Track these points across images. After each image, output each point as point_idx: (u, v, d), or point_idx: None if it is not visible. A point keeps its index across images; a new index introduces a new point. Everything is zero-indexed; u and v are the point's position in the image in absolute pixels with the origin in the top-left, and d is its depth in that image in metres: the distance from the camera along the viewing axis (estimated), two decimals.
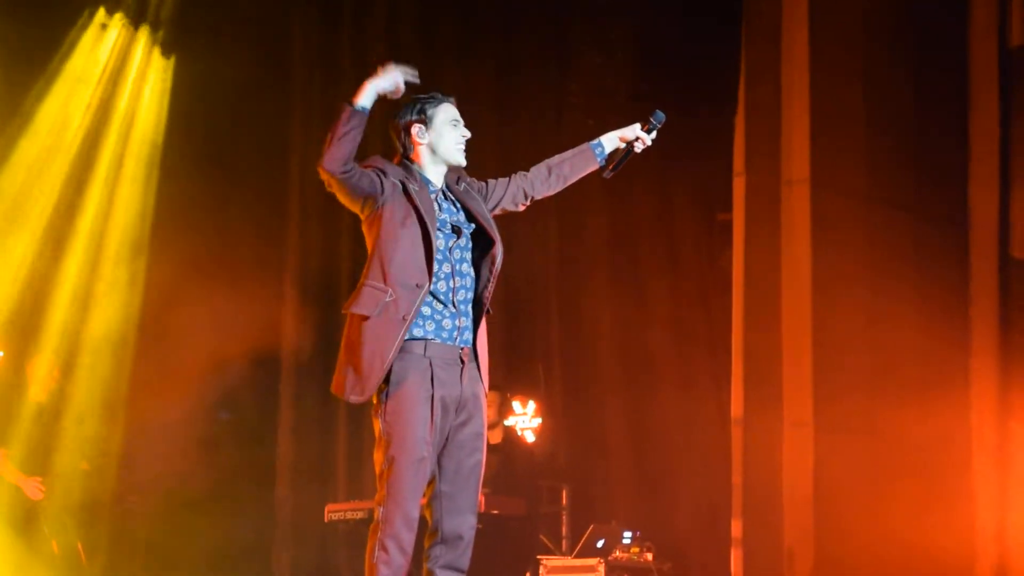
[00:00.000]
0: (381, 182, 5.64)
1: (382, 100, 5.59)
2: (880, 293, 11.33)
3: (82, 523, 10.99)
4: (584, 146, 6.12)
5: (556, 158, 6.10)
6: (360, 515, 10.40)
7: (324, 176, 5.58)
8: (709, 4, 11.72)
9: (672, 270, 12.10)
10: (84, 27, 12.19)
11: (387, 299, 5.56)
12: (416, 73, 5.51)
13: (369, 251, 5.70)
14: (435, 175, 5.81)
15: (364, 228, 5.75)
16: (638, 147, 6.09)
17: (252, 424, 12.17)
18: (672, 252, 12.17)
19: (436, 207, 5.72)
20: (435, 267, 5.61)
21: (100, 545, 11.46)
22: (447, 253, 5.70)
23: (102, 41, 12.28)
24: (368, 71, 5.57)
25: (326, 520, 10.72)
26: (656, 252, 12.16)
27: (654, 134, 6.10)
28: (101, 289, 12.17)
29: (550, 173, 6.05)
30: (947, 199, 11.92)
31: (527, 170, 6.09)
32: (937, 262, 11.71)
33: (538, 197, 6.09)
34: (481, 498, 9.68)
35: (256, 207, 12.27)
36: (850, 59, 11.52)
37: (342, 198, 5.66)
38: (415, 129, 5.79)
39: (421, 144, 5.79)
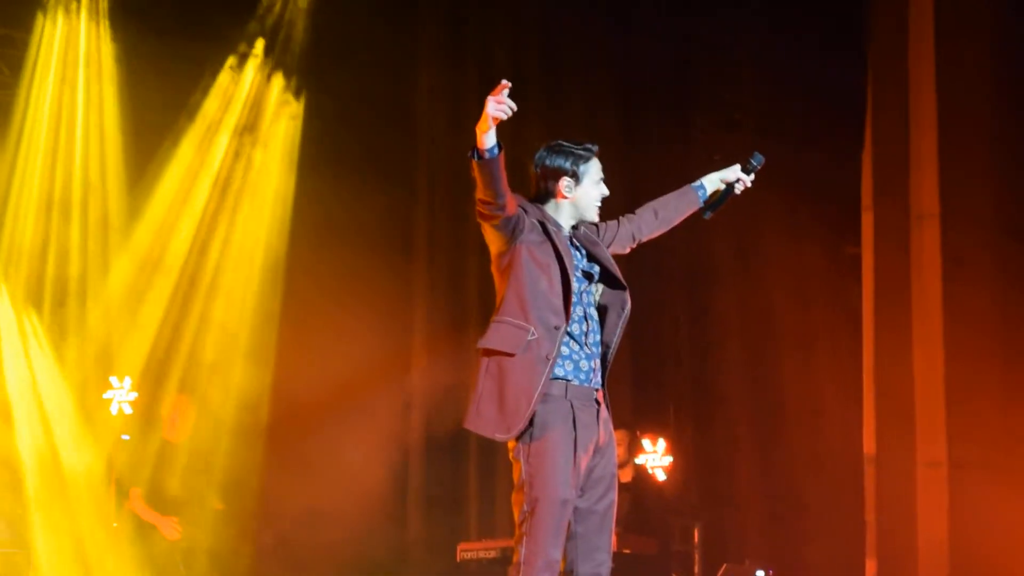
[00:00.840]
0: (521, 218, 5.67)
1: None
2: (1013, 328, 11.19)
3: (217, 562, 11.10)
4: (686, 188, 6.17)
5: (660, 200, 6.14)
6: (492, 554, 10.43)
7: (488, 222, 5.61)
8: (836, 39, 11.67)
9: (801, 305, 12.06)
10: (216, 72, 12.39)
11: (530, 338, 5.58)
12: (508, 86, 5.44)
13: (502, 288, 5.70)
14: (566, 221, 5.85)
15: (496, 264, 5.75)
16: (738, 188, 6.15)
17: (384, 462, 12.22)
18: (801, 286, 12.13)
19: (571, 250, 5.76)
20: (572, 309, 5.64)
21: None
22: (579, 296, 5.72)
23: (237, 85, 12.48)
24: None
25: (458, 559, 10.75)
26: (785, 286, 12.12)
27: (753, 175, 6.14)
28: (236, 328, 12.31)
29: (656, 215, 6.10)
30: None
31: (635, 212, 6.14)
32: None
33: (644, 239, 6.13)
34: (613, 537, 9.71)
35: (384, 245, 12.36)
36: (978, 92, 11.41)
37: (492, 233, 5.65)
38: (564, 182, 5.80)
39: (566, 197, 5.81)
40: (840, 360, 11.77)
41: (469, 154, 5.45)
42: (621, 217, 6.06)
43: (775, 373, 12.03)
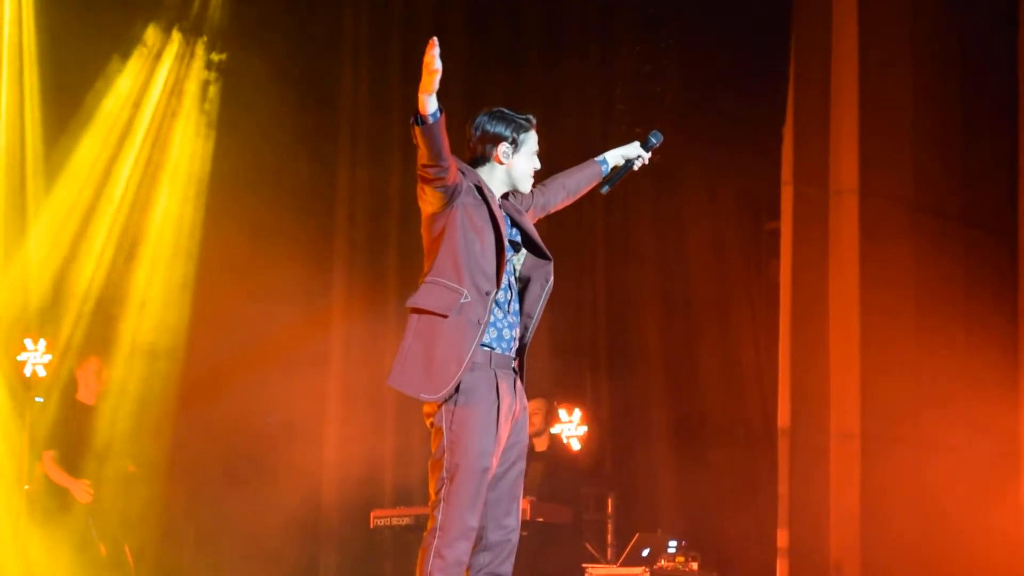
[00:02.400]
0: (460, 182, 5.64)
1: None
2: (928, 303, 11.32)
3: (129, 525, 11.05)
4: (591, 161, 6.23)
5: (567, 172, 6.18)
6: (407, 521, 10.42)
7: (429, 185, 5.56)
8: (758, 14, 11.70)
9: (719, 279, 12.12)
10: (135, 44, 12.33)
11: (463, 300, 5.56)
12: (438, 49, 5.40)
13: (434, 249, 5.64)
14: (498, 188, 5.83)
15: (427, 225, 5.70)
16: (637, 164, 6.23)
17: (299, 427, 12.20)
18: (720, 261, 12.19)
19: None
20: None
21: (148, 548, 11.52)
22: (508, 265, 5.72)
23: (156, 61, 12.44)
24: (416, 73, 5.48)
25: (371, 526, 10.75)
26: (704, 260, 12.18)
27: (650, 153, 6.23)
28: (151, 295, 12.24)
29: (564, 187, 6.14)
30: (995, 209, 11.91)
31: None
32: (985, 271, 11.68)
33: (551, 211, 6.15)
34: (527, 505, 9.75)
35: (304, 205, 12.33)
36: (899, 69, 11.51)
37: (431, 195, 5.59)
38: (502, 148, 5.78)
39: (503, 163, 5.80)
40: (757, 333, 11.84)
41: (411, 120, 5.40)
42: (535, 188, 6.05)
43: (692, 345, 12.08)
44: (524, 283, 5.82)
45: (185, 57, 12.54)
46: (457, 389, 5.56)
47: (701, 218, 12.21)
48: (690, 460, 11.81)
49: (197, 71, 12.57)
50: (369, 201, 12.54)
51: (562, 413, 11.55)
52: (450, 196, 5.59)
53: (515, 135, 5.80)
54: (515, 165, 5.81)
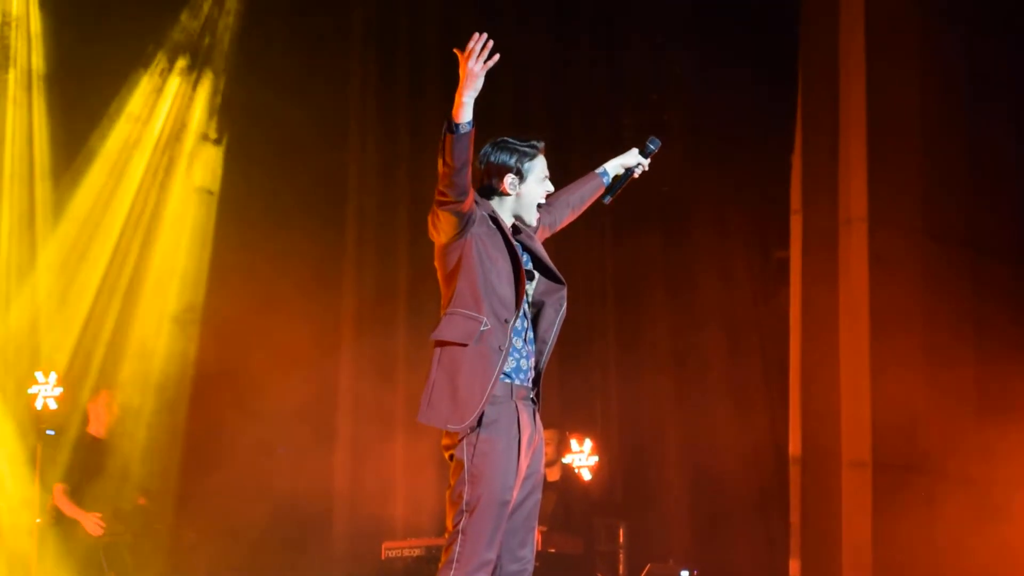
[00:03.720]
0: (474, 210, 5.59)
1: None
2: (939, 330, 11.30)
3: (140, 558, 11.04)
4: (591, 174, 6.19)
5: (569, 188, 6.13)
6: (418, 552, 10.40)
7: (442, 209, 5.50)
8: (766, 43, 11.73)
9: (729, 308, 12.10)
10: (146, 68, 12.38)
11: (483, 328, 5.52)
12: (493, 50, 5.38)
13: (452, 281, 5.60)
14: (507, 218, 5.78)
15: (441, 258, 5.64)
16: (637, 172, 6.18)
17: (309, 458, 12.18)
18: (729, 289, 12.18)
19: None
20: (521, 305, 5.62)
21: None
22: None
23: (165, 85, 12.47)
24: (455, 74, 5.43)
25: (383, 557, 10.72)
26: (713, 290, 12.17)
27: (649, 159, 6.17)
28: (162, 327, 12.26)
29: (568, 204, 6.10)
30: (1005, 235, 11.89)
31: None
32: (996, 298, 11.66)
33: (556, 229, 6.10)
34: (538, 536, 9.71)
35: (314, 239, 12.33)
36: (906, 97, 11.51)
37: (446, 222, 5.54)
38: (508, 179, 5.73)
39: (509, 194, 5.78)
40: (768, 362, 11.83)
41: (444, 127, 5.36)
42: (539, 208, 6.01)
43: (702, 375, 12.07)
44: (538, 308, 5.77)
45: (193, 78, 12.58)
46: (480, 423, 5.53)
47: (710, 247, 12.20)
48: (702, 490, 11.79)
49: (205, 92, 12.60)
50: (378, 224, 12.53)
51: (573, 443, 11.53)
52: (464, 224, 5.54)
53: (520, 165, 5.75)
54: (523, 195, 5.77)
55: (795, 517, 10.90)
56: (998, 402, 11.36)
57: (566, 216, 6.12)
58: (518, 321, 5.64)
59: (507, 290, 5.58)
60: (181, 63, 12.54)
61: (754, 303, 12.19)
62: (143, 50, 12.43)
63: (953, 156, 11.74)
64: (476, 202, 5.62)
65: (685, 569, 10.39)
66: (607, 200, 6.18)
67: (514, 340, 5.63)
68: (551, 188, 5.84)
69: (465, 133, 5.35)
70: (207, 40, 12.62)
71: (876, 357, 10.96)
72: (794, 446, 10.97)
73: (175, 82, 12.54)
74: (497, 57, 5.40)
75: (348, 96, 12.70)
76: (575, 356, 12.00)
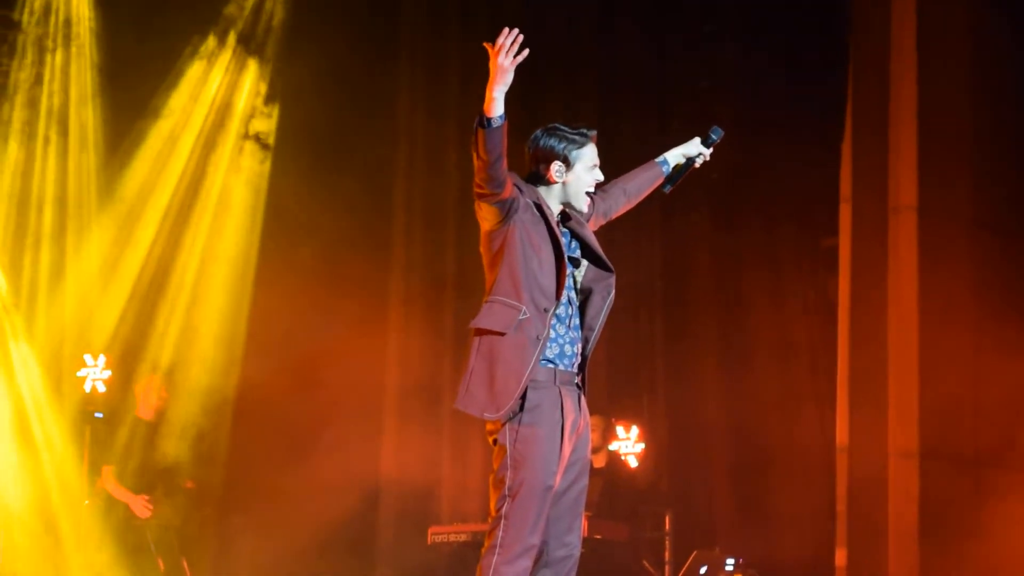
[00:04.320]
0: (516, 199, 5.59)
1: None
2: (987, 320, 11.24)
3: (187, 540, 11.10)
4: (651, 162, 6.15)
5: (627, 177, 6.11)
6: (464, 538, 10.43)
7: (483, 199, 5.54)
8: (817, 32, 11.68)
9: (778, 296, 12.06)
10: (194, 53, 12.42)
11: (521, 317, 5.53)
12: (524, 46, 5.40)
13: (495, 268, 5.61)
14: (555, 205, 5.77)
15: (486, 244, 5.67)
16: (698, 161, 6.13)
17: (354, 443, 12.22)
18: (777, 278, 12.14)
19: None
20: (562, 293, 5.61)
21: (205, 563, 11.57)
22: (568, 280, 5.68)
23: (213, 67, 12.51)
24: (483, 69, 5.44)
25: (429, 542, 10.75)
26: (761, 278, 12.13)
27: (711, 149, 6.13)
28: (208, 311, 12.31)
29: (625, 192, 6.07)
30: None
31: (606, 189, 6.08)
32: None
33: (614, 216, 6.09)
34: (584, 522, 9.73)
35: (363, 221, 12.34)
36: (957, 86, 11.46)
37: (487, 211, 5.57)
38: (555, 166, 5.72)
39: (556, 182, 5.78)
40: (815, 350, 11.79)
41: (476, 122, 5.36)
42: (594, 195, 5.96)
43: (750, 362, 12.03)
44: (585, 295, 5.75)
45: (240, 71, 12.62)
46: (522, 407, 5.54)
47: (759, 235, 12.17)
48: (748, 477, 11.77)
49: (251, 86, 12.64)
50: (426, 210, 12.56)
51: (620, 430, 11.54)
52: (506, 212, 5.55)
53: (567, 152, 5.73)
54: (570, 183, 5.75)
55: (842, 506, 10.88)
56: None
57: (623, 204, 6.09)
58: (562, 308, 5.63)
59: (548, 279, 5.57)
60: (228, 51, 12.57)
61: (803, 291, 12.14)
62: (191, 38, 12.48)
63: (1003, 145, 11.68)
64: (520, 189, 5.62)
65: (731, 557, 10.38)
66: (667, 189, 6.16)
67: (557, 327, 5.62)
68: (600, 177, 5.82)
69: (497, 127, 5.36)
70: (256, 26, 12.65)
71: (925, 347, 10.93)
72: (841, 435, 10.94)
73: (220, 70, 12.58)
74: (527, 52, 5.40)
75: (397, 78, 12.71)
76: (622, 343, 12.00)
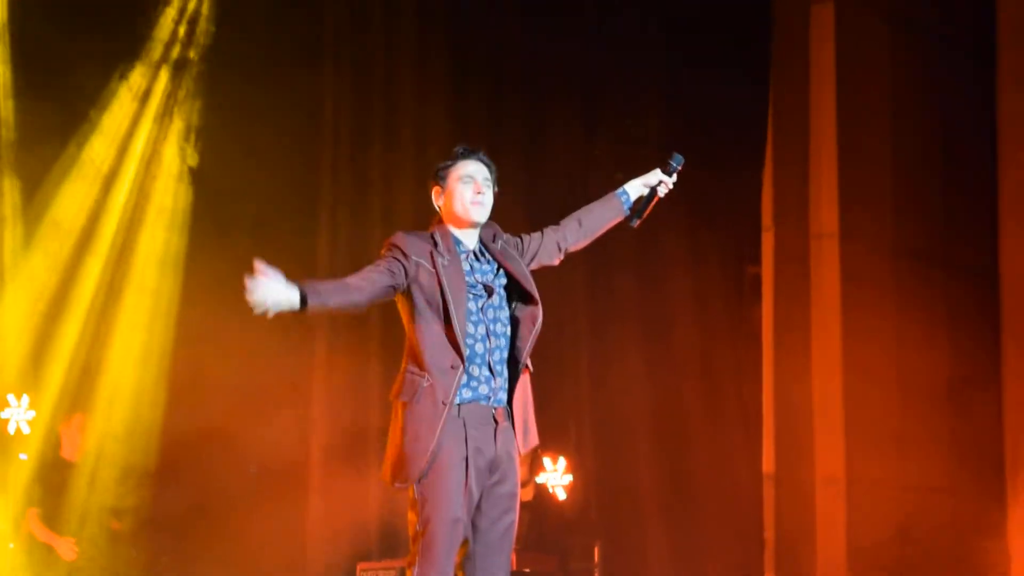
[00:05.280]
0: (403, 267, 5.62)
1: None
2: (910, 346, 11.33)
3: None
4: (610, 195, 6.08)
5: (584, 209, 6.05)
6: (393, 574, 10.38)
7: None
8: (737, 59, 11.74)
9: (702, 324, 12.10)
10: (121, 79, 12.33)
11: (424, 384, 5.55)
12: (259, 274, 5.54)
13: (406, 334, 5.68)
14: (465, 236, 5.78)
15: (399, 308, 5.72)
16: (661, 191, 6.07)
17: (281, 479, 12.14)
18: (701, 306, 12.18)
19: (468, 269, 5.71)
20: (468, 339, 5.57)
21: None
22: (480, 314, 5.66)
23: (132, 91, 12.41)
24: None
25: None
26: (685, 306, 12.16)
27: (675, 176, 6.08)
28: (135, 348, 12.21)
29: (580, 224, 6.00)
30: (977, 251, 11.93)
31: (557, 223, 6.06)
32: (967, 312, 11.71)
33: (571, 250, 6.02)
34: (512, 556, 9.70)
35: (286, 253, 12.25)
36: (877, 113, 11.57)
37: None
38: (434, 193, 5.80)
39: (441, 209, 5.81)
40: (740, 378, 11.83)
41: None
42: (546, 228, 5.97)
43: (675, 391, 12.05)
44: (514, 326, 5.75)
45: (169, 101, 12.52)
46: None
47: (682, 263, 12.20)
48: (676, 507, 11.78)
49: (180, 116, 12.55)
50: (351, 253, 12.51)
51: (547, 462, 11.53)
52: (396, 287, 5.63)
53: (439, 175, 5.80)
54: (448, 201, 5.77)
55: (769, 533, 10.92)
56: (970, 414, 11.40)
57: (581, 237, 6.03)
58: (478, 344, 5.63)
59: (450, 335, 5.58)
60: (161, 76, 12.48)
61: (727, 319, 12.19)
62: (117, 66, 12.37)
63: (924, 170, 11.79)
64: (405, 254, 5.64)
65: None
66: (634, 224, 6.08)
67: (470, 368, 5.61)
68: (483, 190, 5.76)
69: (311, 307, 5.50)
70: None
71: (848, 372, 11.00)
72: (768, 463, 10.99)
73: (153, 101, 12.49)
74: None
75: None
76: (548, 374, 11.97)
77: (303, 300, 5.47)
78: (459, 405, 5.59)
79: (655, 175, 6.09)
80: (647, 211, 6.08)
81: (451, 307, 5.59)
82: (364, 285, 5.59)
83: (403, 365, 5.65)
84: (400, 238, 5.69)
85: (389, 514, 11.87)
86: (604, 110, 12.53)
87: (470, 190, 5.75)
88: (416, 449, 5.53)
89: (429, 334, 5.59)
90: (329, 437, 12.23)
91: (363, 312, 11.82)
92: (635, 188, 6.09)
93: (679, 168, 6.10)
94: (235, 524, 11.75)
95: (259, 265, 5.47)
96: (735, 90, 11.76)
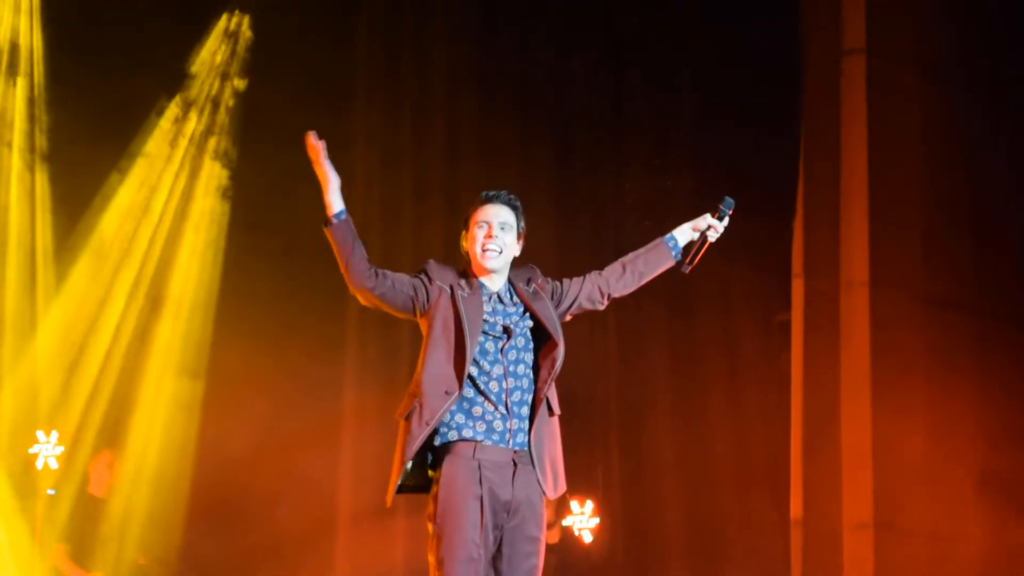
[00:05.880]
0: (426, 288, 5.67)
1: None
2: (942, 395, 11.29)
3: None
4: (658, 241, 6.01)
5: (630, 255, 5.99)
6: None
7: (358, 295, 5.70)
8: (768, 108, 11.76)
9: (731, 370, 12.10)
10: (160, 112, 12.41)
11: (415, 405, 5.59)
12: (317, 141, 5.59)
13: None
14: (488, 280, 5.79)
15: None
16: (712, 236, 5.98)
17: (309, 520, 12.15)
18: (731, 352, 12.18)
19: (489, 310, 5.71)
20: (471, 370, 5.59)
21: None
22: (498, 355, 5.66)
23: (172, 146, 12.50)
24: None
25: None
26: (715, 352, 12.17)
27: (726, 220, 5.99)
28: (165, 387, 12.26)
29: (624, 270, 5.94)
30: (1008, 299, 11.89)
31: (589, 265, 6.05)
32: (998, 362, 11.65)
33: (615, 295, 5.95)
34: None
35: (318, 298, 12.30)
36: (908, 161, 11.56)
37: (386, 310, 5.71)
38: (462, 236, 5.86)
39: (467, 253, 5.84)
40: (769, 424, 11.81)
41: (323, 223, 5.59)
42: (588, 274, 5.94)
43: (704, 436, 12.04)
44: (535, 369, 5.74)
45: (199, 140, 12.59)
46: (439, 483, 5.59)
47: (712, 310, 12.20)
48: (703, 551, 11.75)
49: (211, 157, 12.60)
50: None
51: (574, 505, 11.51)
52: (405, 304, 5.68)
53: (465, 220, 5.84)
54: (470, 247, 5.81)
55: None
56: (1002, 464, 11.34)
57: (627, 282, 5.96)
58: (493, 384, 5.64)
59: (454, 361, 5.61)
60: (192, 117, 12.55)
61: (756, 366, 12.18)
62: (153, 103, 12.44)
63: (956, 221, 11.76)
64: (430, 278, 5.71)
65: None
66: (686, 270, 5.97)
67: (484, 405, 5.62)
68: (490, 234, 5.76)
69: (338, 224, 5.60)
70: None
71: (877, 419, 10.96)
72: (795, 509, 10.95)
73: (184, 138, 12.56)
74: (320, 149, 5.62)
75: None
76: (576, 417, 11.98)
77: (339, 215, 5.59)
78: (475, 445, 5.61)
79: (704, 219, 6.01)
80: (699, 257, 5.98)
81: (465, 333, 5.61)
82: (387, 273, 5.68)
83: (409, 387, 5.68)
84: (430, 264, 5.76)
85: (417, 553, 11.87)
86: (632, 161, 12.56)
87: (482, 235, 5.77)
88: (397, 467, 5.60)
89: (435, 358, 5.63)
90: (356, 477, 12.23)
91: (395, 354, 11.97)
92: (683, 233, 6.03)
93: (730, 212, 6.00)
94: (261, 564, 11.77)
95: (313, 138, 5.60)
96: (766, 139, 11.78)
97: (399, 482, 5.60)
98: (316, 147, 5.59)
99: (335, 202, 5.58)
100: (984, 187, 11.90)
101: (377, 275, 5.65)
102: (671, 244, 5.99)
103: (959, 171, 11.85)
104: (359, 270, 5.61)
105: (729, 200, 6.01)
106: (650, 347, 12.37)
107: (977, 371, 11.55)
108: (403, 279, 5.70)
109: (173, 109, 12.48)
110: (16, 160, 11.97)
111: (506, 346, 5.69)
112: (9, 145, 11.95)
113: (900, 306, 11.34)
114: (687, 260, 5.97)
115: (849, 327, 11.20)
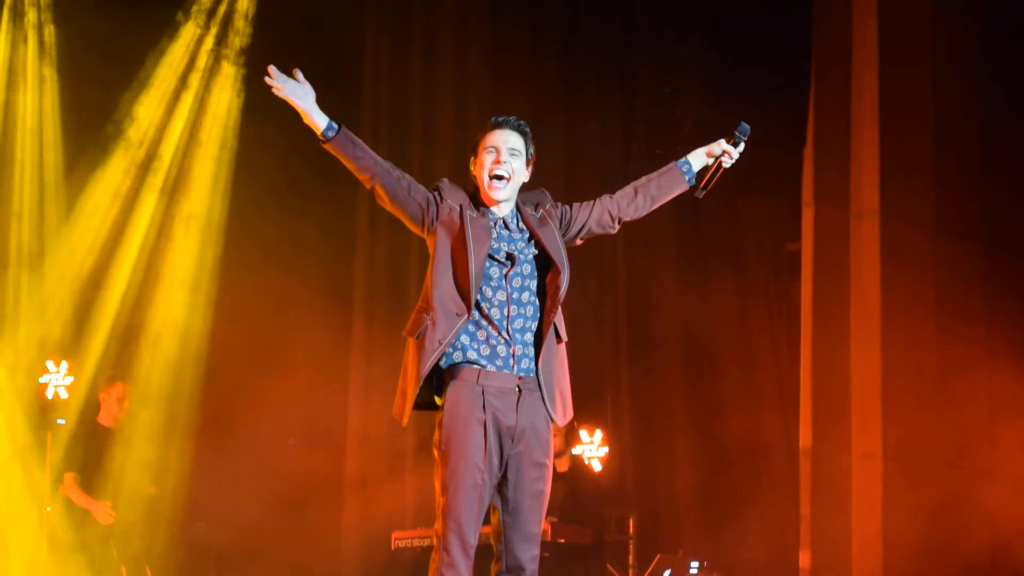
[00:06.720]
0: (436, 204, 5.63)
1: None
2: (949, 323, 11.30)
3: (150, 547, 11.05)
4: (671, 165, 5.92)
5: (643, 179, 5.90)
6: (427, 542, 10.42)
7: (374, 194, 5.69)
8: (777, 38, 11.71)
9: (740, 300, 12.10)
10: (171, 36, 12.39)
11: (427, 322, 5.56)
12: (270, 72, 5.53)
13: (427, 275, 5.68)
14: (496, 205, 5.74)
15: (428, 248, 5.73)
16: (726, 161, 5.88)
17: (320, 450, 12.19)
18: (741, 282, 12.18)
19: (494, 235, 5.68)
20: (477, 295, 5.56)
21: (169, 570, 11.52)
22: (502, 281, 5.63)
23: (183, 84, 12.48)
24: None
25: (392, 547, 10.74)
26: (724, 281, 12.17)
27: (741, 146, 5.88)
28: (174, 314, 12.27)
29: (636, 194, 5.86)
30: (1016, 228, 11.88)
31: (599, 191, 5.96)
32: (1007, 291, 11.66)
33: (627, 219, 5.88)
34: (547, 527, 9.73)
35: (325, 226, 12.30)
36: (918, 91, 11.52)
37: (398, 213, 5.67)
38: (470, 161, 5.81)
39: (472, 174, 5.79)
40: (778, 355, 11.83)
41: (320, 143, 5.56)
42: (599, 198, 5.86)
43: (713, 367, 12.07)
44: (540, 296, 5.68)
45: (211, 83, 12.56)
46: (443, 409, 5.58)
47: (722, 239, 12.20)
48: (712, 481, 11.80)
49: (221, 98, 12.58)
50: (389, 240, 12.51)
51: (583, 434, 11.54)
52: (418, 217, 5.65)
53: (474, 145, 5.79)
54: (477, 173, 5.75)
55: (805, 509, 10.90)
56: (1008, 393, 11.36)
57: (640, 206, 5.88)
58: (495, 310, 5.61)
59: (464, 283, 5.57)
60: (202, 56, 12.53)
61: (765, 295, 12.18)
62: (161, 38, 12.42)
63: (966, 150, 11.74)
64: (442, 196, 5.67)
65: (695, 560, 10.40)
66: (700, 195, 5.89)
67: (488, 329, 5.60)
68: (497, 159, 5.70)
69: (332, 138, 5.56)
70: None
71: (886, 349, 10.97)
72: (805, 438, 10.97)
73: (194, 82, 12.54)
74: (296, 71, 5.56)
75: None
76: (585, 347, 11.99)
77: (328, 131, 5.56)
78: (480, 371, 5.59)
79: (719, 145, 5.91)
80: (713, 182, 5.89)
81: (470, 257, 5.58)
82: (398, 175, 5.64)
83: (418, 304, 5.65)
84: (444, 181, 5.72)
85: (424, 481, 11.92)
86: (643, 89, 12.53)
87: (491, 161, 5.72)
88: (409, 385, 5.58)
89: (443, 278, 5.59)
90: (365, 405, 12.27)
91: (403, 273, 11.95)
92: (697, 158, 5.93)
93: (745, 138, 5.89)
94: (271, 490, 11.82)
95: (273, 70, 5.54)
96: (776, 68, 11.73)
97: (412, 401, 5.57)
98: (272, 81, 5.52)
99: (318, 121, 5.54)
100: (996, 116, 11.85)
101: (391, 173, 5.62)
102: (685, 169, 5.91)
103: (971, 100, 11.81)
104: (362, 167, 5.60)
105: (745, 126, 5.91)
106: (658, 277, 12.37)
107: (985, 299, 11.56)
108: (419, 188, 5.66)
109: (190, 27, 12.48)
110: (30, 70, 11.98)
111: (510, 272, 5.65)
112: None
113: (910, 235, 11.34)
114: (701, 185, 5.89)
115: (859, 256, 11.18)
